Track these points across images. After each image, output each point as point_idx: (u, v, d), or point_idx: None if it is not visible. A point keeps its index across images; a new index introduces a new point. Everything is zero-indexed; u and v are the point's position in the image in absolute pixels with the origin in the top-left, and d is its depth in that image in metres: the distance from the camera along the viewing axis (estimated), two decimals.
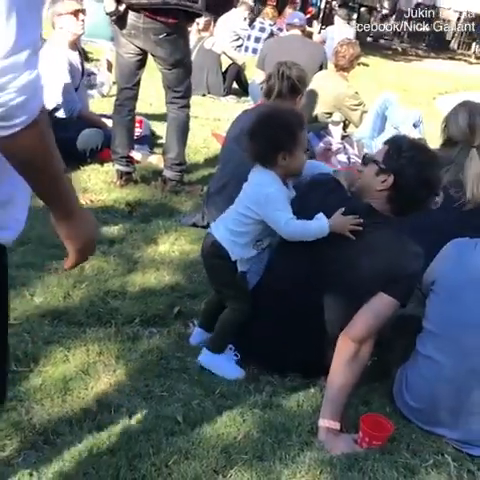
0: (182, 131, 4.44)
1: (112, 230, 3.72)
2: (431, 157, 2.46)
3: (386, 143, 2.54)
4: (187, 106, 4.42)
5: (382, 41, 23.04)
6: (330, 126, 5.72)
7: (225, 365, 2.58)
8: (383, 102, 5.73)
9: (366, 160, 2.55)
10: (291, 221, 2.45)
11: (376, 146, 5.55)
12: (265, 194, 2.48)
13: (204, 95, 7.72)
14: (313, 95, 5.61)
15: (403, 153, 2.42)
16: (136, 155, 4.62)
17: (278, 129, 2.48)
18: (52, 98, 4.52)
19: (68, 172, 4.48)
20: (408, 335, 2.49)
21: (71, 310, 2.86)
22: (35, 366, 2.46)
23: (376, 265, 2.35)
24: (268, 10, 11.22)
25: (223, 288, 2.67)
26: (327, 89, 5.72)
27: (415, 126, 5.69)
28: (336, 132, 5.66)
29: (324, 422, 2.28)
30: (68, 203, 1.39)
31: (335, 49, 5.98)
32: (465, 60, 21.19)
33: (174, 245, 3.62)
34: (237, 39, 10.20)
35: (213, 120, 6.55)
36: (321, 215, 2.43)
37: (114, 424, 2.23)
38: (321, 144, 5.43)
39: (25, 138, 1.19)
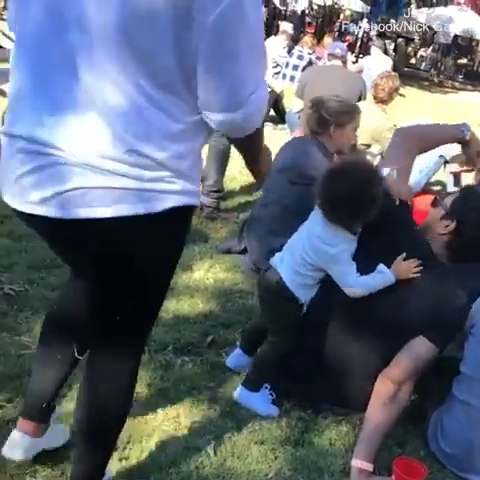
0: (222, 159, 4.47)
1: None
2: None
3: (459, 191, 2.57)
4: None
5: (419, 72, 23.06)
6: (368, 158, 5.70)
7: (260, 403, 2.56)
8: None
9: (436, 203, 2.54)
10: (356, 281, 2.40)
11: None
12: (329, 255, 2.41)
13: None
14: None
15: (469, 202, 2.45)
16: None
17: (364, 202, 2.34)
18: None
19: None
20: (445, 377, 2.44)
21: None
22: (68, 391, 2.46)
23: (423, 309, 2.33)
24: (307, 39, 11.26)
25: (277, 325, 2.59)
26: (366, 121, 5.67)
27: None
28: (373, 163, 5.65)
29: (357, 463, 2.24)
30: (258, 162, 1.87)
31: (375, 81, 6.01)
32: None
33: (209, 272, 3.62)
34: (275, 66, 10.26)
35: None
36: (382, 267, 2.38)
37: (144, 453, 2.22)
38: None
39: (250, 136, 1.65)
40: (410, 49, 26.80)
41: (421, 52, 27.47)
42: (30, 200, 1.56)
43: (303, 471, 2.23)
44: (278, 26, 13.43)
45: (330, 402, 2.58)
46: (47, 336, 2.07)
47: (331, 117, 3.56)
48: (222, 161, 4.49)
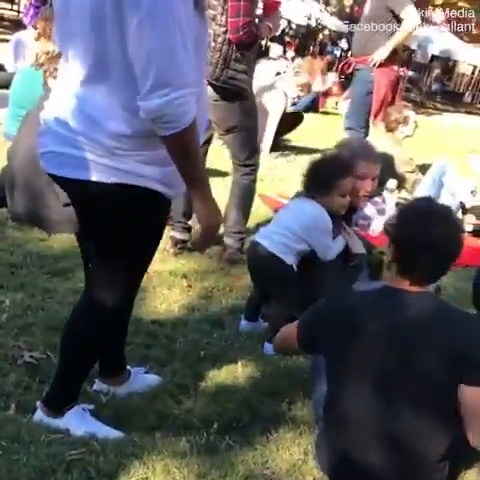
0: (241, 198, 4.18)
1: (173, 308, 3.44)
2: (412, 212, 2.23)
3: None
4: (249, 173, 4.14)
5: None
6: (385, 193, 5.46)
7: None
8: (440, 168, 5.53)
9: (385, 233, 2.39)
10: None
11: None
12: None
13: None
14: None
15: (396, 220, 2.23)
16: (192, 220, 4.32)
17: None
18: None
19: None
20: None
21: (140, 412, 2.56)
22: None
23: (440, 351, 2.05)
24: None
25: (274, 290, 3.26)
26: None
27: (472, 193, 5.48)
28: (390, 199, 5.41)
29: None
30: (200, 190, 2.06)
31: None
32: None
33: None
34: None
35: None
36: None
37: None
38: (374, 211, 5.16)
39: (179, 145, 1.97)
40: None
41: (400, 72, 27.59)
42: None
43: None
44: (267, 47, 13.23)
45: None
46: None
47: None
48: (242, 200, 4.19)
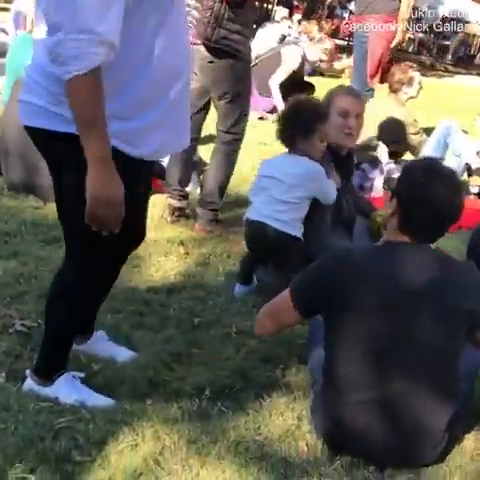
0: (219, 166, 4.02)
1: (169, 275, 3.41)
2: (418, 170, 2.21)
3: None
4: (231, 142, 4.00)
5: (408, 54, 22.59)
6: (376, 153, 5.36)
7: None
8: (445, 129, 5.42)
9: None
10: None
11: None
12: None
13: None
14: None
15: (401, 176, 2.28)
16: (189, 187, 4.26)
17: None
18: None
19: None
20: None
21: (132, 379, 2.54)
22: (98, 454, 2.13)
23: (437, 318, 2.08)
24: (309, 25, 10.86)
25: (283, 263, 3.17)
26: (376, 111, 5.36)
27: (478, 155, 5.38)
28: (383, 157, 5.31)
29: None
30: (92, 150, 1.86)
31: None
32: None
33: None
34: None
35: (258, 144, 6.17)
36: None
37: None
38: (377, 173, 5.09)
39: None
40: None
41: (409, 34, 27.00)
42: None
43: None
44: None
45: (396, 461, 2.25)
46: None
47: None
48: (220, 167, 4.02)
